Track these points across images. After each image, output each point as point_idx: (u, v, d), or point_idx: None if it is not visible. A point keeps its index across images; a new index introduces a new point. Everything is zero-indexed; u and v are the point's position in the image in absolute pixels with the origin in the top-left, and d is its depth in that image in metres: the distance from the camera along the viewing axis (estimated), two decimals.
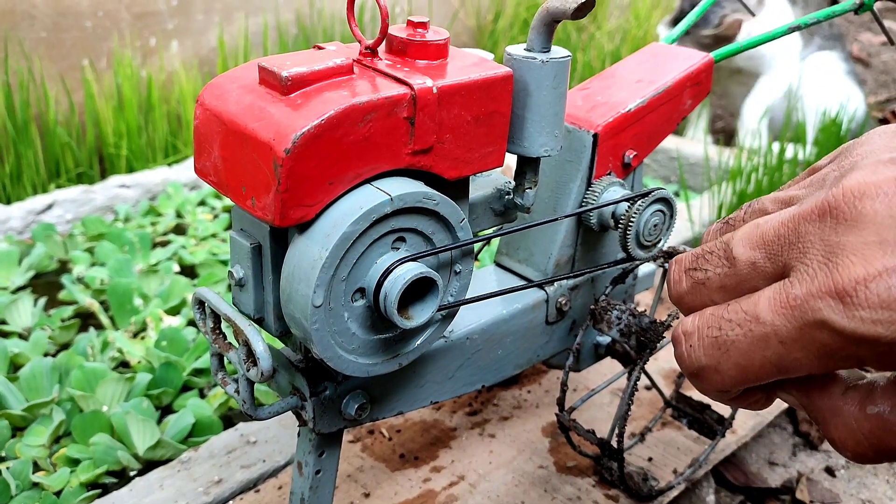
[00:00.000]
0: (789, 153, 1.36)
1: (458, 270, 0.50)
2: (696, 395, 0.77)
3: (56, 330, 0.94)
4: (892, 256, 0.28)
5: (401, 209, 0.44)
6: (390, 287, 0.44)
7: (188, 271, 1.12)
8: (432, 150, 0.46)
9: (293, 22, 1.76)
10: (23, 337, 0.95)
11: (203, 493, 0.68)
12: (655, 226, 0.60)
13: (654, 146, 0.66)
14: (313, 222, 0.43)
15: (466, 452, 0.74)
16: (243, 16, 1.66)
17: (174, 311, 1.00)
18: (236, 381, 0.50)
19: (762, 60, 1.63)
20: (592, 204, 0.61)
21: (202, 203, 1.32)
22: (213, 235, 1.22)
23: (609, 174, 0.63)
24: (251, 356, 0.46)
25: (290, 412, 0.54)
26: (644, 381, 0.84)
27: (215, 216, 1.28)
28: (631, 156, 0.64)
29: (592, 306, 0.65)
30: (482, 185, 0.56)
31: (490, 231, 0.75)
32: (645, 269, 0.77)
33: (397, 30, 0.48)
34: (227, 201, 1.32)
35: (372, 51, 0.47)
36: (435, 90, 0.44)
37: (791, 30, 0.64)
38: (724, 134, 1.89)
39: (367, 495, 0.68)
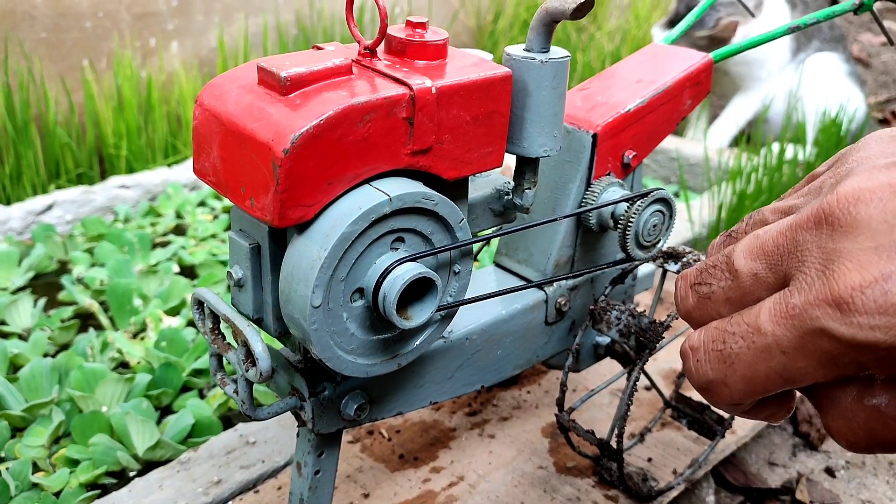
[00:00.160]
0: (789, 154, 1.36)
1: (457, 271, 0.49)
2: (696, 395, 0.77)
3: (56, 330, 0.94)
4: (887, 262, 0.28)
5: (400, 209, 0.44)
6: (389, 287, 0.44)
7: (188, 272, 1.12)
8: (431, 150, 0.46)
9: (293, 22, 1.76)
10: (22, 337, 0.95)
11: (202, 494, 0.68)
12: (655, 226, 0.60)
13: (653, 146, 0.66)
14: (312, 222, 0.43)
15: (466, 453, 0.74)
16: (243, 16, 1.66)
17: (174, 312, 1.00)
18: (235, 381, 0.50)
19: (749, 68, 1.63)
20: (592, 204, 0.61)
21: (202, 204, 1.32)
22: (213, 236, 1.22)
23: (608, 174, 0.63)
24: (250, 356, 0.46)
25: (289, 412, 0.54)
26: (643, 381, 0.84)
27: (215, 217, 1.28)
28: (630, 156, 0.64)
29: (592, 307, 0.65)
30: (481, 186, 0.56)
31: (489, 231, 0.75)
32: (644, 269, 0.77)
33: (396, 30, 0.48)
34: (227, 202, 1.32)
35: (371, 51, 0.47)
36: (434, 90, 0.44)
37: (791, 30, 0.64)
38: None
39: (366, 496, 0.68)
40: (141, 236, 1.15)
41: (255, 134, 0.42)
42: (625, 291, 0.72)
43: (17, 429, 0.80)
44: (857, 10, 0.62)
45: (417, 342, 0.50)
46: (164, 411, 0.84)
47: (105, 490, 0.73)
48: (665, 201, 0.59)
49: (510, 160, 0.58)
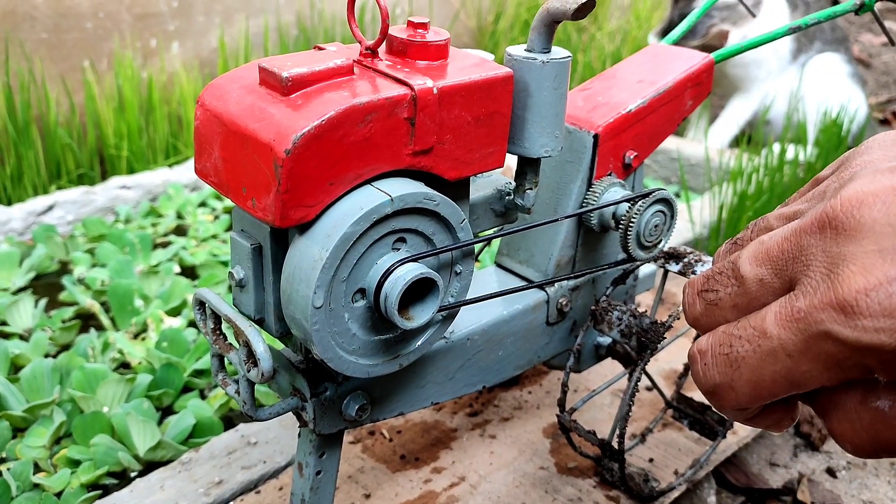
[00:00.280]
0: (790, 154, 1.36)
1: (458, 271, 0.49)
2: (697, 395, 0.77)
3: (57, 331, 0.94)
4: (891, 265, 0.28)
5: (401, 210, 0.44)
6: (391, 288, 0.44)
7: (189, 272, 1.12)
8: (433, 150, 0.46)
9: (294, 23, 1.77)
10: (23, 338, 0.95)
11: (204, 494, 0.68)
12: (656, 226, 0.60)
13: (654, 147, 0.66)
14: (314, 223, 0.43)
15: (467, 453, 0.74)
16: (244, 17, 1.66)
17: (175, 313, 1.00)
18: (237, 381, 0.50)
19: (746, 70, 1.64)
20: (593, 204, 0.61)
21: (203, 204, 1.32)
22: (214, 236, 1.22)
23: (610, 175, 0.63)
24: (252, 357, 0.46)
25: (290, 413, 0.54)
26: (645, 381, 0.84)
27: (216, 217, 1.28)
28: (632, 156, 0.64)
29: (593, 307, 0.65)
30: (483, 186, 0.56)
31: (490, 232, 0.75)
32: (646, 269, 0.77)
33: (398, 30, 0.48)
34: (228, 202, 1.32)
35: (372, 51, 0.47)
36: (435, 91, 0.44)
37: (792, 30, 0.64)
38: None
39: (367, 496, 0.68)
40: (142, 237, 1.15)
41: (257, 134, 0.42)
42: (626, 292, 0.72)
43: (19, 429, 0.80)
44: (859, 10, 0.62)
45: (419, 343, 0.50)
46: (166, 412, 0.84)
47: (106, 490, 0.73)
48: (666, 202, 0.59)
49: (511, 160, 0.58)
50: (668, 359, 0.88)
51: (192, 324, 0.97)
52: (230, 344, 0.50)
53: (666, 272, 0.65)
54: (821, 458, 0.85)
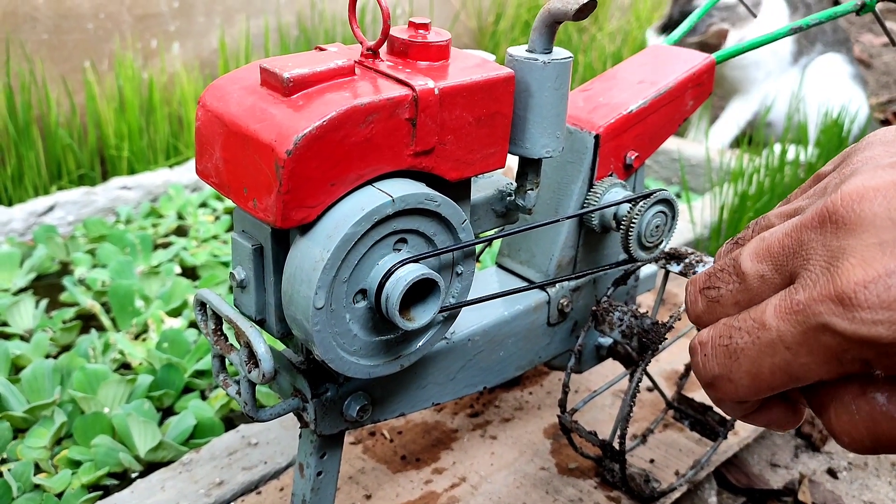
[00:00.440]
0: (791, 155, 1.36)
1: (459, 272, 0.49)
2: (698, 396, 0.77)
3: (57, 332, 0.94)
4: (891, 258, 0.28)
5: (402, 210, 0.44)
6: (392, 288, 0.44)
7: (189, 273, 1.12)
8: (434, 151, 0.46)
9: (294, 24, 1.77)
10: (24, 339, 0.95)
11: (204, 495, 0.68)
12: (657, 227, 0.60)
13: (655, 147, 0.66)
14: (315, 223, 0.43)
15: (468, 454, 0.74)
16: (244, 18, 1.66)
17: (175, 313, 1.00)
18: (238, 382, 0.50)
19: (744, 71, 1.64)
20: (594, 205, 0.61)
21: (203, 205, 1.32)
22: (215, 237, 1.22)
23: (611, 175, 0.63)
24: (253, 358, 0.46)
25: (291, 414, 0.54)
26: (646, 382, 0.84)
27: (217, 218, 1.28)
28: (633, 157, 0.63)
29: (594, 308, 0.65)
30: (484, 187, 0.56)
31: (492, 232, 0.75)
32: (646, 270, 0.77)
33: (399, 31, 0.48)
34: (229, 203, 1.32)
35: (373, 52, 0.47)
36: (437, 91, 0.44)
37: (793, 30, 0.64)
38: None
39: (368, 497, 0.68)
40: (142, 237, 1.15)
41: (258, 135, 0.42)
42: (627, 292, 0.72)
43: (19, 430, 0.80)
44: (860, 11, 0.62)
45: (420, 343, 0.50)
46: (166, 412, 0.84)
47: (107, 491, 0.73)
48: (667, 202, 0.59)
49: (512, 161, 0.57)
50: (669, 359, 0.88)
51: (192, 324, 0.97)
52: (231, 345, 0.50)
53: (667, 273, 0.65)
54: (822, 459, 0.85)
